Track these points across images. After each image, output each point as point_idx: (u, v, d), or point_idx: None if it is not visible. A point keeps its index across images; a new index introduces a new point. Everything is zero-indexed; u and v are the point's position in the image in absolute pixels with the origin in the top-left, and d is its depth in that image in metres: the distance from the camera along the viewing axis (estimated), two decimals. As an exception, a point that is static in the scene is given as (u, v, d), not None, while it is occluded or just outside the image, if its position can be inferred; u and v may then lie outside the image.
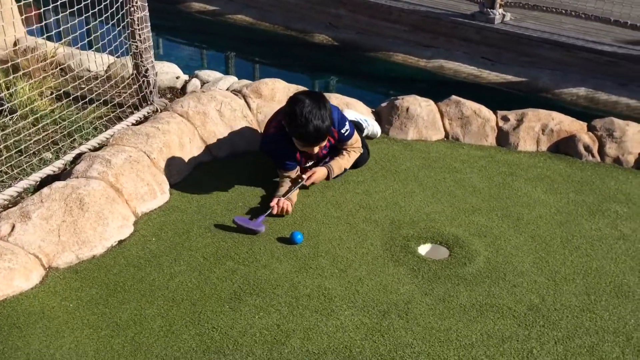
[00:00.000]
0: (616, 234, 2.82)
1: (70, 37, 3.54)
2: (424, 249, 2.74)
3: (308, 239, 2.73)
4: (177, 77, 4.53)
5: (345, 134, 3.08)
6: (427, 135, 3.73)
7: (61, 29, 3.44)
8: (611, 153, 3.50)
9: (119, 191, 2.80)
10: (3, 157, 3.03)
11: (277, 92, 3.74)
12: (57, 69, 3.63)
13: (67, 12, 3.37)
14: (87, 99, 3.75)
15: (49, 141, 3.29)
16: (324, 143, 2.94)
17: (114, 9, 3.57)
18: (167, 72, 4.55)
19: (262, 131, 3.34)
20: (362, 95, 4.15)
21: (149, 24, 3.72)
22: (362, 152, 3.25)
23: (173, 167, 3.15)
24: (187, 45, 7.14)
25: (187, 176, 3.19)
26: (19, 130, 3.25)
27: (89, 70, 4.19)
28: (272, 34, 6.84)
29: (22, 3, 3.10)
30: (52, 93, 3.67)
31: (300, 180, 3.02)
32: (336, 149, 3.17)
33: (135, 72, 3.82)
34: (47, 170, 3.09)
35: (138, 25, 3.63)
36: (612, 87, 5.15)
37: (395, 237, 2.77)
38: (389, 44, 6.16)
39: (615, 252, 2.69)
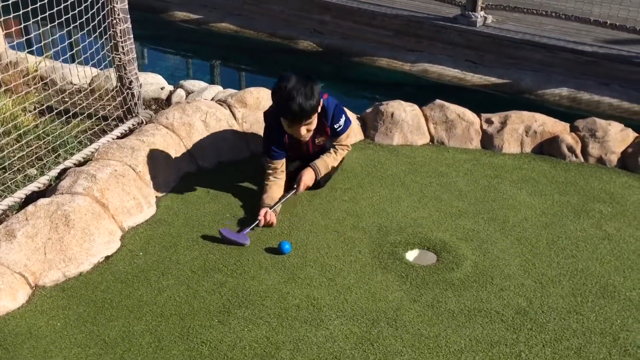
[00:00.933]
0: (601, 234, 2.85)
1: (52, 51, 3.53)
2: (411, 255, 2.75)
3: (296, 248, 2.74)
4: (161, 88, 4.52)
5: (338, 130, 3.07)
6: (413, 140, 3.75)
7: (42, 43, 3.43)
8: (594, 153, 3.54)
9: (104, 206, 2.79)
10: (-14, 175, 3.01)
11: (262, 100, 3.74)
12: (40, 84, 3.61)
13: (49, 27, 3.35)
14: (70, 113, 3.73)
15: (33, 157, 3.26)
16: (313, 126, 2.90)
17: (96, 21, 3.55)
18: (152, 83, 4.54)
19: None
20: (347, 101, 4.16)
21: (131, 35, 3.70)
22: (349, 150, 3.24)
23: (159, 179, 3.15)
24: (172, 55, 7.12)
25: (173, 188, 3.18)
26: (2, 147, 3.23)
27: (73, 84, 4.17)
28: (256, 42, 6.84)
29: (2, 19, 3.08)
30: (35, 108, 3.65)
31: (291, 191, 3.03)
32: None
33: (119, 84, 3.81)
34: (32, 187, 3.07)
35: (121, 38, 3.62)
36: (594, 87, 5.21)
37: (383, 243, 2.78)
38: (373, 48, 6.19)
39: (600, 253, 2.72)
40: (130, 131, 3.74)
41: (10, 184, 3.07)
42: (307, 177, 3.06)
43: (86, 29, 3.54)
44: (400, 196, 3.16)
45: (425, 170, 3.43)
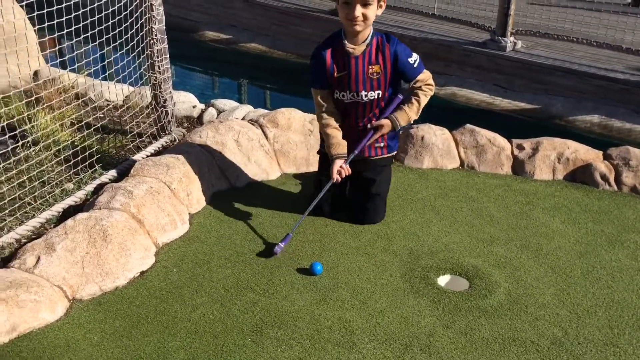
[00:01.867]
0: (636, 265, 2.81)
1: (91, 69, 3.63)
2: (443, 280, 2.74)
3: (327, 269, 2.74)
4: (193, 107, 4.60)
5: (415, 65, 2.85)
6: (443, 164, 3.75)
7: (82, 62, 3.53)
8: (628, 182, 3.50)
9: (140, 222, 2.83)
10: (26, 189, 3.08)
11: (293, 121, 3.79)
12: (80, 101, 3.70)
13: (90, 46, 3.45)
14: (106, 129, 3.82)
15: (71, 172, 3.34)
16: (370, 13, 2.68)
17: (135, 41, 3.65)
18: (184, 102, 4.62)
19: None
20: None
21: (167, 55, 3.79)
22: (433, 90, 2.98)
23: (192, 197, 3.19)
24: (202, 74, 7.26)
25: (206, 206, 3.22)
26: (41, 162, 3.31)
27: (109, 101, 4.27)
28: (284, 62, 6.95)
29: (42, 39, 3.19)
30: (72, 124, 3.74)
31: (369, 134, 2.89)
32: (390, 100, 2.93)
33: (154, 102, 3.89)
34: (69, 201, 3.14)
35: (157, 57, 3.71)
36: (626, 115, 5.18)
37: (414, 267, 2.77)
38: (401, 71, 6.23)
39: (637, 284, 2.67)
40: (164, 148, 3.81)
41: (49, 197, 3.14)
42: (385, 128, 2.89)
43: (125, 49, 3.64)
44: (431, 220, 3.16)
45: (456, 195, 3.42)
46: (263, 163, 3.60)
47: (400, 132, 3.82)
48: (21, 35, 3.95)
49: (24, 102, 3.29)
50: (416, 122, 3.95)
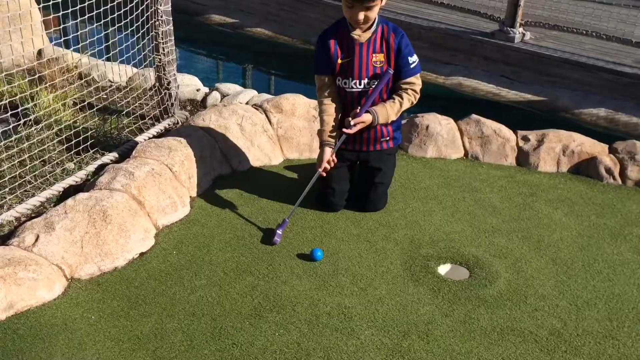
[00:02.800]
0: (638, 259, 2.79)
1: (95, 50, 3.60)
2: (443, 269, 2.72)
3: (328, 256, 2.73)
4: (197, 90, 4.58)
5: (412, 65, 2.83)
6: (447, 154, 3.72)
7: (87, 42, 3.51)
8: (633, 176, 3.47)
9: (141, 204, 2.82)
10: (27, 167, 3.07)
11: (297, 107, 3.76)
12: (83, 81, 3.68)
13: (95, 25, 3.43)
14: (109, 110, 3.80)
15: (72, 152, 3.33)
16: (372, 15, 2.68)
17: (140, 22, 3.62)
18: (188, 85, 4.60)
19: None
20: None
21: (172, 37, 3.76)
22: (418, 97, 2.92)
23: (194, 180, 3.18)
24: (206, 57, 7.22)
25: (207, 189, 3.21)
26: (43, 141, 3.30)
27: (112, 82, 4.25)
28: (291, 48, 6.89)
29: (50, 18, 3.16)
30: (75, 104, 3.73)
31: (343, 134, 2.84)
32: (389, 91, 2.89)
33: (157, 84, 3.87)
34: (70, 181, 3.13)
35: (162, 39, 3.68)
36: (633, 109, 5.13)
37: (415, 256, 2.76)
38: (407, 60, 6.18)
39: (638, 278, 2.66)
40: (167, 131, 3.79)
41: (49, 176, 3.13)
42: (366, 121, 2.81)
43: (129, 30, 3.61)
44: (433, 209, 3.14)
45: (459, 185, 3.40)
46: (266, 148, 3.58)
47: (403, 122, 3.80)
48: (26, 13, 3.92)
49: (26, 80, 3.27)
50: (422, 110, 3.95)
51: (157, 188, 2.92)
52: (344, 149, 2.96)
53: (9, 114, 3.21)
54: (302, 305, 2.41)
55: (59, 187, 3.08)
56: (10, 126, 3.07)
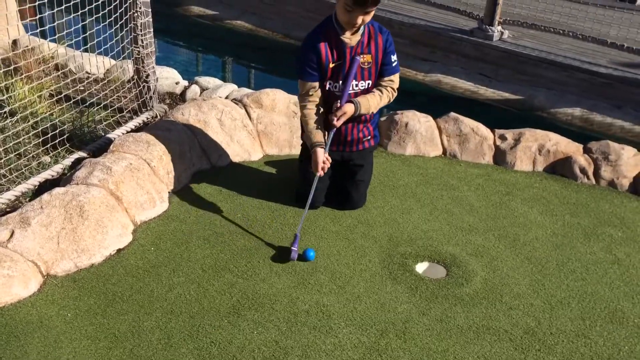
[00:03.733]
0: (611, 258, 2.86)
1: (71, 41, 3.54)
2: (421, 268, 2.76)
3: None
4: (176, 83, 4.53)
5: (394, 64, 2.88)
6: (425, 151, 3.75)
7: (63, 32, 3.44)
8: (606, 176, 3.54)
9: (118, 199, 2.79)
10: (2, 160, 3.01)
11: (278, 102, 3.75)
12: (59, 73, 3.61)
13: (71, 16, 3.36)
14: (86, 103, 3.74)
15: (48, 145, 3.27)
16: (368, 18, 2.67)
17: (118, 13, 3.56)
18: (167, 78, 4.55)
19: None
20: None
21: (151, 29, 3.71)
22: (395, 95, 2.96)
23: (173, 175, 3.15)
24: (186, 50, 7.13)
25: (186, 185, 3.19)
26: (18, 133, 3.23)
27: (89, 73, 4.18)
28: (271, 41, 6.85)
29: (26, 7, 3.09)
30: (51, 96, 3.66)
31: (331, 132, 2.83)
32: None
33: (136, 77, 3.81)
34: (46, 175, 3.08)
35: (141, 31, 3.63)
36: (607, 109, 5.22)
37: (393, 254, 2.79)
38: (387, 56, 6.20)
39: (610, 277, 2.72)
40: (145, 124, 3.75)
41: (25, 170, 3.07)
42: (348, 112, 2.80)
43: (107, 21, 3.55)
44: (412, 207, 3.17)
45: (437, 183, 3.43)
46: (245, 143, 3.57)
47: (380, 119, 3.82)
48: (0, 2, 3.83)
49: (1, 71, 3.20)
50: (401, 107, 3.97)
51: (135, 183, 2.89)
52: (329, 151, 2.92)
53: (-18, 106, 3.14)
54: (281, 303, 2.42)
55: (34, 181, 3.02)
56: (-16, 118, 3.01)
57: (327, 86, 2.86)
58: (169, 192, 3.08)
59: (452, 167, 3.63)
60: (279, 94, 3.79)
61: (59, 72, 3.69)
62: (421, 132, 3.76)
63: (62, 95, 3.51)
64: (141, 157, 3.04)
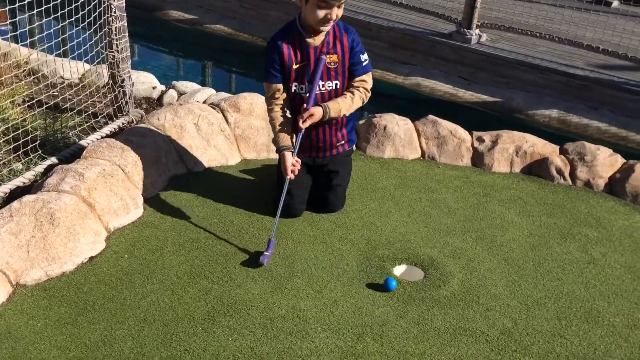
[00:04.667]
0: (586, 258, 2.88)
1: (45, 45, 3.48)
2: (399, 270, 2.74)
3: (283, 258, 2.72)
4: (153, 88, 4.49)
5: (364, 63, 2.85)
6: (404, 154, 3.75)
7: (37, 37, 3.38)
8: (582, 177, 3.57)
9: (91, 206, 2.74)
10: (-29, 167, 2.95)
11: (255, 107, 3.72)
12: (33, 78, 3.55)
13: (44, 21, 3.31)
14: (60, 108, 3.68)
15: (20, 151, 3.20)
16: (340, 14, 2.68)
17: (92, 18, 3.52)
18: (144, 82, 4.50)
19: None
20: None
21: (127, 34, 3.67)
22: (368, 97, 2.92)
23: (148, 181, 3.11)
24: (164, 54, 7.07)
25: (161, 190, 3.15)
26: (-12, 140, 3.17)
27: (63, 78, 4.12)
28: (251, 45, 6.82)
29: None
30: (24, 101, 3.59)
31: (299, 134, 2.80)
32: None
33: (111, 82, 3.77)
34: (17, 182, 3.02)
35: (116, 35, 3.59)
36: (584, 111, 5.28)
37: (371, 257, 2.77)
38: (367, 59, 6.21)
39: (586, 277, 2.74)
40: (120, 130, 3.70)
41: (-5, 177, 3.01)
42: (317, 115, 2.76)
43: (82, 25, 3.50)
44: (390, 210, 3.16)
45: (416, 185, 3.43)
46: (223, 148, 3.54)
47: (359, 122, 3.81)
48: (-30, 7, 3.76)
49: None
50: (380, 110, 3.97)
51: (109, 189, 2.84)
52: (300, 155, 2.91)
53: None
54: (257, 309, 2.39)
55: (5, 188, 2.96)
56: (-48, 125, 2.94)
57: (293, 88, 2.84)
58: (143, 198, 3.03)
59: (431, 170, 3.63)
60: (257, 98, 3.77)
61: (33, 78, 3.63)
62: (400, 135, 3.75)
63: (35, 101, 3.45)
64: (115, 163, 2.99)
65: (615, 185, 3.50)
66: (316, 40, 2.78)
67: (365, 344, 2.26)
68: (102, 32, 3.56)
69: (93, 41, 3.63)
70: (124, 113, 3.84)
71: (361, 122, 3.87)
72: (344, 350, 2.23)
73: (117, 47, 3.64)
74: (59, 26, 3.45)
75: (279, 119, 2.83)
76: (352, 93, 2.87)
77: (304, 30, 2.77)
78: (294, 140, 2.85)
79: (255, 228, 2.91)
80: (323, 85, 2.83)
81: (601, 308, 2.54)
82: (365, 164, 3.61)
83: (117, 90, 3.74)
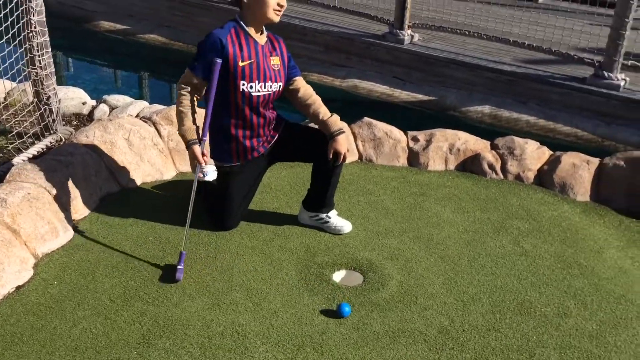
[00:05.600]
0: (518, 250, 2.97)
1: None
2: (338, 276, 2.76)
3: (222, 272, 2.68)
4: (83, 103, 4.36)
5: (295, 66, 2.98)
6: (341, 158, 3.77)
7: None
8: (512, 170, 3.69)
9: (16, 232, 2.63)
10: None
11: (188, 118, 3.66)
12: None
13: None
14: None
15: (-63, 179, 3.04)
16: (285, 7, 2.76)
17: (10, 34, 3.38)
18: (73, 98, 4.36)
19: None
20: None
21: (49, 49, 3.55)
22: None
23: (77, 202, 3.01)
24: (96, 67, 6.87)
25: (93, 211, 3.05)
26: None
27: (-16, 99, 3.94)
28: (186, 55, 6.72)
29: None
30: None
31: (204, 139, 2.73)
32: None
33: (36, 99, 3.63)
34: None
35: (38, 52, 3.47)
36: (513, 105, 5.46)
37: (310, 265, 2.77)
38: (304, 64, 6.21)
39: (518, 269, 2.83)
40: (48, 149, 3.57)
41: None
42: (341, 138, 2.85)
43: (2, 40, 3.36)
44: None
45: (354, 189, 3.46)
46: (157, 162, 3.46)
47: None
48: None
49: None
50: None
51: (34, 214, 2.73)
52: (250, 160, 2.89)
53: None
54: (194, 328, 2.35)
55: None
56: None
57: (241, 87, 2.76)
58: (74, 220, 2.93)
59: (368, 172, 3.67)
60: (189, 110, 3.70)
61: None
62: (336, 139, 3.77)
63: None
64: (41, 185, 2.88)
65: (544, 177, 3.64)
66: (261, 39, 2.82)
67: (305, 354, 2.26)
68: (23, 49, 3.43)
69: (13, 58, 3.49)
70: (52, 131, 3.71)
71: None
72: (284, 362, 2.22)
73: (40, 63, 3.51)
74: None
75: (189, 109, 2.74)
76: (314, 96, 2.98)
77: (248, 28, 2.79)
78: (199, 132, 2.75)
79: (192, 243, 2.86)
80: (271, 86, 2.83)
81: (533, 299, 2.62)
82: (304, 169, 3.61)
83: (42, 108, 3.61)
